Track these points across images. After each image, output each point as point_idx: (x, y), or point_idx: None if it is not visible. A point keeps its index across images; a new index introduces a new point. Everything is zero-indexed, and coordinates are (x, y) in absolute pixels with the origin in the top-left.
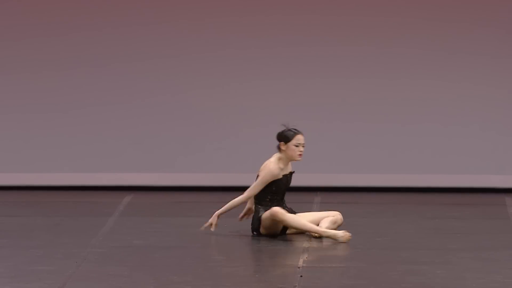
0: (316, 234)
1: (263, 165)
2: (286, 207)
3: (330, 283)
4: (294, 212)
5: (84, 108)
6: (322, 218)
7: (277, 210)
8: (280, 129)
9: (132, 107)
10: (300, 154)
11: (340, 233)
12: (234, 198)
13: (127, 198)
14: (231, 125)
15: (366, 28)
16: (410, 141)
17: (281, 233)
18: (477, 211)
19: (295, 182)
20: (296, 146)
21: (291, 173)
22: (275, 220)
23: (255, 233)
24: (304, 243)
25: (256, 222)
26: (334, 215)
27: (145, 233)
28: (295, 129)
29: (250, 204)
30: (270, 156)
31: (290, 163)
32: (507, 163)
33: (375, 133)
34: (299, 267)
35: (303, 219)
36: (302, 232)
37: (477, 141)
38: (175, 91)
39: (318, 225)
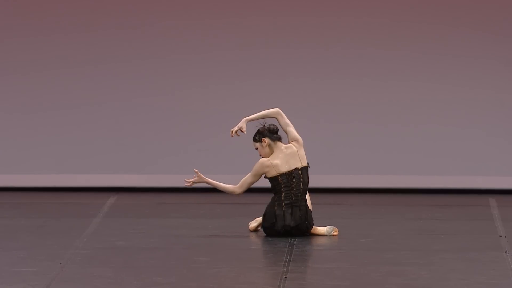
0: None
1: None
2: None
3: (314, 284)
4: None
5: (68, 109)
6: None
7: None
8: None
9: (116, 109)
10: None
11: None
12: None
13: (111, 199)
14: (214, 126)
15: (359, 29)
16: (394, 143)
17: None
18: (461, 212)
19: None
20: None
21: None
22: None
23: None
24: (288, 244)
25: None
26: None
27: (129, 234)
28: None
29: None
30: (253, 157)
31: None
32: (490, 165)
33: (358, 134)
34: (283, 268)
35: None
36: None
37: (461, 143)
38: (159, 92)
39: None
